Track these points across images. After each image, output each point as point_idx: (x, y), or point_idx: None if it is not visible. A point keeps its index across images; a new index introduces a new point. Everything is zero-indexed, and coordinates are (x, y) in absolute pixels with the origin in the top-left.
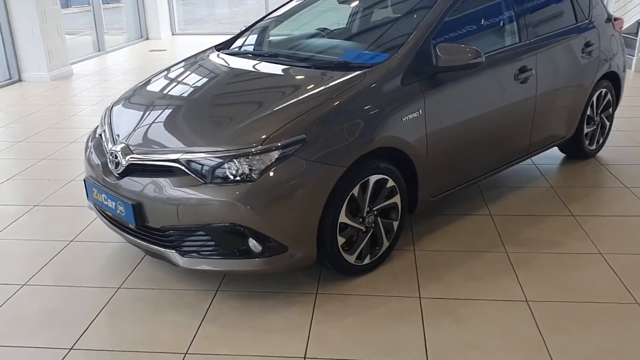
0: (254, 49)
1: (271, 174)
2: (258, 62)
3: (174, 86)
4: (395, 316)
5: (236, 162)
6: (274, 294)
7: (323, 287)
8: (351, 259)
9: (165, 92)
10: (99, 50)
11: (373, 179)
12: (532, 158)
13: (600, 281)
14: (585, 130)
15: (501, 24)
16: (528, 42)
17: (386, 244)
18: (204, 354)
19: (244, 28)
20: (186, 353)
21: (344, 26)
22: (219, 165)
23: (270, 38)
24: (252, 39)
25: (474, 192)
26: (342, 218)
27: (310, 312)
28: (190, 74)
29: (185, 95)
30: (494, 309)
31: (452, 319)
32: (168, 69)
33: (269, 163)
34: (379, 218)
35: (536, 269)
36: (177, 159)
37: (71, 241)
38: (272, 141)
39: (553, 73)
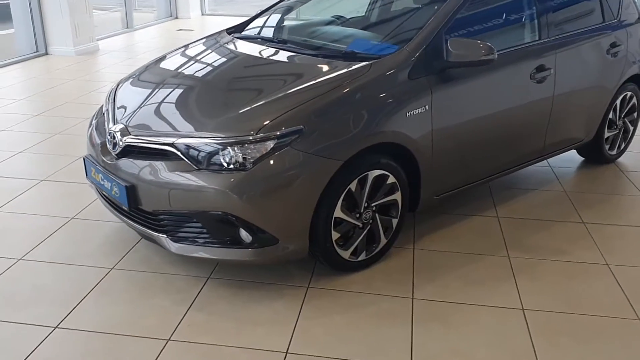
0: (264, 34)
1: (265, 164)
2: (265, 48)
3: (178, 69)
4: (385, 316)
5: (230, 150)
6: (264, 285)
7: (315, 281)
8: (345, 254)
9: (168, 75)
10: (127, 28)
11: (372, 174)
12: (549, 160)
13: (603, 294)
14: (606, 134)
15: (519, 21)
16: (548, 40)
17: (384, 241)
18: (186, 342)
19: (259, 11)
20: (169, 340)
21: (362, 15)
22: (212, 152)
23: (283, 24)
24: (265, 23)
25: (483, 193)
26: (338, 213)
27: (298, 307)
28: (197, 57)
29: (187, 79)
30: (487, 316)
31: (442, 323)
32: (178, 50)
33: (264, 152)
34: (377, 214)
35: (538, 277)
36: (173, 143)
37: (72, 218)
38: (268, 130)
39: (574, 73)
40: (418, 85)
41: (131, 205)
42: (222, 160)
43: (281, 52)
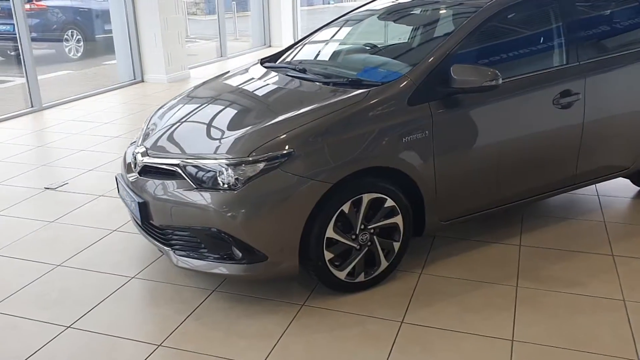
0: (288, 63)
1: (254, 184)
2: (282, 75)
3: (202, 96)
4: (368, 338)
5: (223, 171)
6: (262, 300)
7: (312, 299)
8: (341, 275)
9: (192, 101)
10: (221, 56)
11: (368, 197)
12: (598, 189)
13: (608, 331)
14: None
15: (540, 45)
16: (578, 64)
17: (384, 264)
18: (174, 348)
19: (295, 41)
20: (159, 345)
21: (398, 42)
22: (207, 172)
23: (312, 52)
24: (299, 52)
25: (513, 219)
26: (330, 233)
27: (287, 323)
28: (222, 85)
29: (206, 105)
30: (471, 344)
31: (423, 348)
32: (212, 78)
33: (253, 174)
34: (375, 237)
35: (540, 308)
36: (178, 164)
37: (114, 230)
38: (258, 153)
39: (610, 98)
40: (418, 111)
41: (143, 219)
42: (215, 180)
43: (293, 80)
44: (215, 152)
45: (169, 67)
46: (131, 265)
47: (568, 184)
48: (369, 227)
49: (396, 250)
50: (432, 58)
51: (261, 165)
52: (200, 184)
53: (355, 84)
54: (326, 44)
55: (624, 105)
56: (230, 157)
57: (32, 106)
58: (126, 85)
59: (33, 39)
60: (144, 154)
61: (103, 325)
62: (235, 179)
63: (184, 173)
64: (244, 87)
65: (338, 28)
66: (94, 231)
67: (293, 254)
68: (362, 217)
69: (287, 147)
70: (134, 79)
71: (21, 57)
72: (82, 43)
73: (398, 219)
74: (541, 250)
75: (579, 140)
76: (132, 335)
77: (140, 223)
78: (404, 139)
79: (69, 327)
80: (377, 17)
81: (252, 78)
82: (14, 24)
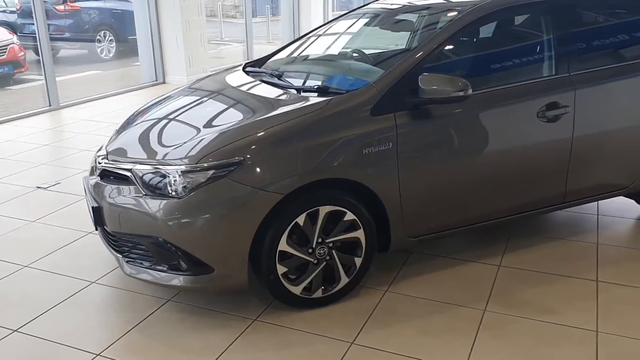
0: (268, 68)
1: (199, 193)
2: (256, 81)
3: (173, 101)
4: (314, 359)
5: (170, 178)
6: (215, 313)
7: (266, 314)
8: (296, 289)
9: (162, 105)
10: (247, 59)
11: (324, 209)
12: (601, 209)
13: None
14: None
15: (525, 55)
16: (568, 75)
17: (345, 280)
18: (113, 359)
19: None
20: (97, 355)
21: (376, 50)
22: (156, 179)
23: (295, 57)
24: (284, 56)
25: (499, 237)
26: (283, 246)
27: (233, 338)
28: (197, 90)
29: (172, 110)
30: None
31: None
32: (194, 82)
33: (200, 182)
34: (334, 251)
35: (503, 336)
36: (130, 169)
37: (89, 233)
38: (206, 161)
39: (604, 112)
40: (381, 122)
41: (97, 224)
42: (163, 187)
43: (264, 86)
44: (164, 158)
45: (190, 69)
46: (95, 269)
47: (557, 202)
48: (327, 241)
49: (358, 266)
50: (400, 67)
51: (209, 174)
52: (149, 191)
53: (322, 91)
54: (313, 48)
55: (619, 120)
56: (178, 163)
57: (49, 105)
58: (147, 86)
59: (66, 39)
60: (104, 158)
61: (49, 331)
62: (183, 186)
63: (134, 178)
64: (214, 94)
65: (328, 33)
66: (71, 233)
67: (242, 266)
68: (319, 230)
69: (236, 156)
70: (156, 80)
71: (40, 57)
72: (114, 44)
73: (360, 234)
74: (521, 272)
75: (567, 156)
76: (74, 343)
77: (95, 228)
78: (364, 151)
79: (15, 330)
80: (368, 23)
81: (227, 84)
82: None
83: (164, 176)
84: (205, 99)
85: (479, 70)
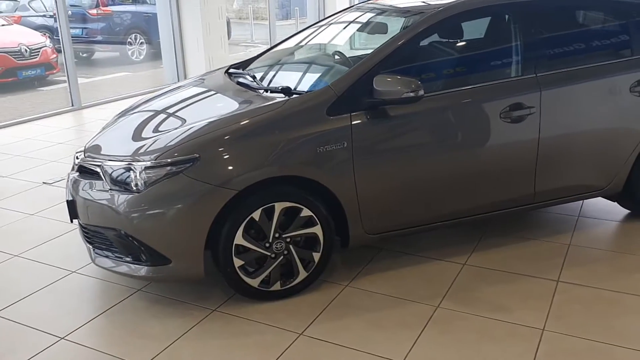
0: (248, 70)
1: (156, 187)
2: (231, 83)
3: (155, 101)
4: (260, 348)
5: (130, 173)
6: (179, 302)
7: (226, 305)
8: (254, 282)
9: (144, 105)
10: None
11: (280, 205)
12: (584, 209)
13: None
14: None
15: (488, 57)
16: (534, 76)
17: (304, 274)
18: (74, 343)
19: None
20: (62, 338)
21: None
22: (120, 174)
23: (276, 59)
24: (267, 58)
25: (472, 236)
26: (239, 240)
27: (190, 326)
28: (178, 91)
29: (148, 111)
30: None
31: None
32: (174, 85)
33: (157, 177)
34: (291, 246)
35: (450, 331)
36: (100, 165)
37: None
38: (164, 157)
39: (573, 114)
40: (336, 122)
41: (71, 217)
42: (125, 182)
43: (235, 87)
44: (129, 155)
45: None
46: (79, 260)
47: (526, 203)
48: (285, 236)
49: (317, 261)
50: (357, 69)
51: (165, 170)
52: (114, 185)
53: (287, 92)
54: (298, 51)
55: (588, 121)
56: (143, 160)
57: (72, 105)
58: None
59: (99, 42)
60: (82, 154)
61: (22, 315)
62: (143, 181)
63: (102, 174)
64: (191, 95)
65: (312, 33)
66: (64, 225)
67: (197, 259)
68: (276, 225)
69: (193, 153)
70: (178, 81)
71: (63, 59)
72: (144, 46)
73: (317, 230)
74: (485, 270)
75: (534, 157)
76: (42, 327)
77: (70, 220)
78: (318, 149)
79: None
80: (353, 25)
81: (205, 86)
82: (83, 28)
83: (129, 172)
84: (182, 100)
85: (439, 72)
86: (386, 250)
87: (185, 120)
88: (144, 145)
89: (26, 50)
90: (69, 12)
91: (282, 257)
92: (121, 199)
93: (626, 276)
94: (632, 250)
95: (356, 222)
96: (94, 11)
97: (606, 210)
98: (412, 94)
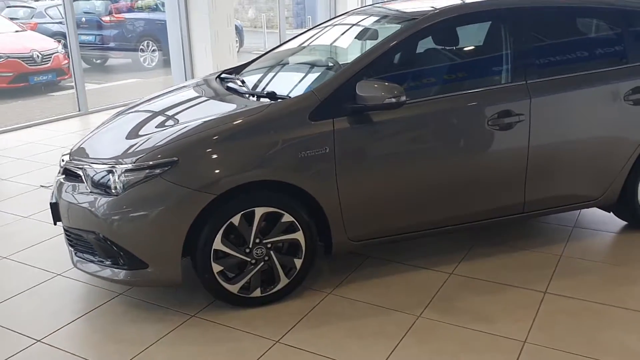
0: (239, 76)
1: (134, 191)
2: (220, 88)
3: (143, 105)
4: (233, 355)
5: (109, 176)
6: (158, 307)
7: (206, 311)
8: (233, 288)
9: (132, 109)
10: None
11: (260, 210)
12: (580, 220)
13: None
14: None
15: (477, 64)
16: (524, 83)
17: (285, 280)
18: (50, 346)
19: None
20: (38, 341)
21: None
22: (99, 177)
23: (268, 65)
24: (261, 64)
25: (462, 245)
26: (218, 245)
27: (166, 332)
28: (169, 95)
29: (135, 113)
30: None
31: None
32: (167, 90)
33: (136, 180)
34: (272, 252)
35: (428, 341)
36: (83, 167)
37: None
38: (142, 160)
39: (565, 122)
40: (319, 127)
41: (55, 219)
42: (104, 185)
43: (223, 92)
44: (109, 158)
45: None
46: (65, 262)
47: (516, 212)
48: (265, 241)
49: (298, 268)
50: (341, 74)
51: (144, 172)
52: (94, 188)
53: (270, 96)
54: (291, 54)
55: (580, 130)
56: (116, 163)
57: (79, 110)
58: None
59: (112, 49)
60: (67, 158)
61: (1, 317)
62: (122, 184)
63: (84, 177)
64: (180, 99)
65: (309, 38)
66: (55, 229)
67: (174, 263)
68: (256, 231)
69: (171, 155)
70: None
71: (70, 66)
72: (157, 53)
73: (299, 235)
74: (471, 280)
75: (524, 165)
76: (20, 329)
77: (54, 223)
78: (300, 154)
79: None
80: (347, 31)
81: (195, 91)
82: (96, 35)
83: (109, 175)
84: (170, 104)
85: (425, 78)
86: (373, 257)
87: (168, 124)
88: (122, 148)
89: (38, 56)
90: (83, 19)
91: (262, 263)
92: (100, 201)
93: (615, 288)
94: (624, 262)
95: (339, 228)
96: (108, 18)
97: (602, 221)
98: (394, 100)
